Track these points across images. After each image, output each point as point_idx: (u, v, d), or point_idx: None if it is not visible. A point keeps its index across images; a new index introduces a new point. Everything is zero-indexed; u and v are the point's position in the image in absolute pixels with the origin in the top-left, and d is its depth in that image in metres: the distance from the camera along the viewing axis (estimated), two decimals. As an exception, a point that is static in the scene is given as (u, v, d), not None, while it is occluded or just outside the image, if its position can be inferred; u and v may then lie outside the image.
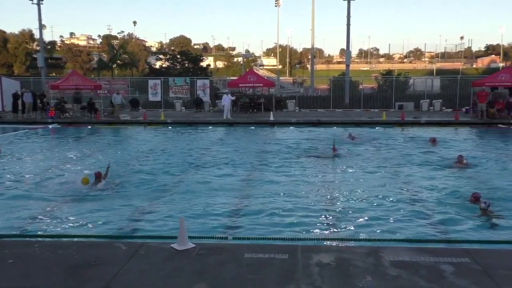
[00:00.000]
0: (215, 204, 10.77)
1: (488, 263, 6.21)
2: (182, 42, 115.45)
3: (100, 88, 32.95)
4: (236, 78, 40.00)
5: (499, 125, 25.84)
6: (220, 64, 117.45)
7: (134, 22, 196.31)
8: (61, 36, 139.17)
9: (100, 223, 9.45)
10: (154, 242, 7.33)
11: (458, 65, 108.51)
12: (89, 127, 27.43)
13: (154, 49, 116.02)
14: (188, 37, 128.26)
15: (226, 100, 29.12)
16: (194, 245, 6.91)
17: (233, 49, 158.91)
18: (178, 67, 54.41)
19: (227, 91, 31.74)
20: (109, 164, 13.37)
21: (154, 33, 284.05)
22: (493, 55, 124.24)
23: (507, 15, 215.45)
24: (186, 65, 54.57)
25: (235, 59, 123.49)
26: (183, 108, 34.39)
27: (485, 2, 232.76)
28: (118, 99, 30.09)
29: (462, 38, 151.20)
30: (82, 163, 16.01)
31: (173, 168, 15.25)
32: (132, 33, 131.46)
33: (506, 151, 18.30)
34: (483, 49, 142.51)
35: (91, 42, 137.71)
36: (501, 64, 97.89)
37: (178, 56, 56.39)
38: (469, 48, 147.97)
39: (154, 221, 9.61)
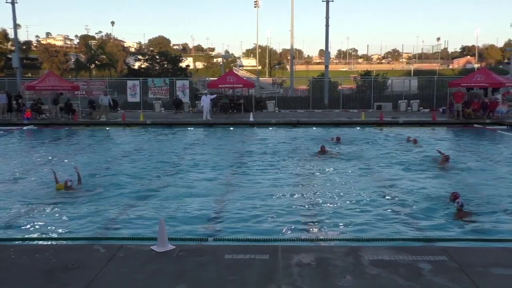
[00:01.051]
0: (195, 206, 10.71)
1: (465, 261, 6.32)
2: (161, 43, 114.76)
3: (78, 89, 32.52)
4: (216, 79, 39.88)
5: (475, 125, 26.29)
6: (199, 65, 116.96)
7: (112, 22, 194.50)
8: (37, 36, 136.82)
9: (78, 226, 9.31)
10: (134, 244, 7.26)
11: (435, 66, 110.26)
12: (67, 128, 27.04)
13: (132, 50, 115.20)
14: (167, 37, 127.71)
15: (206, 101, 29.02)
16: (174, 247, 6.87)
17: (213, 49, 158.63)
18: (157, 67, 54.04)
19: (206, 91, 31.64)
20: (77, 170, 12.92)
21: (133, 34, 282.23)
22: (468, 56, 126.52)
23: (482, 17, 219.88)
24: (165, 65, 54.23)
25: (215, 60, 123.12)
26: (163, 109, 34.16)
27: (461, 5, 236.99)
28: (106, 100, 29.76)
29: (438, 39, 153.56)
30: (58, 166, 15.76)
31: (152, 169, 15.12)
32: (110, 33, 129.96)
33: (484, 150, 18.62)
34: (459, 50, 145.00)
35: (68, 42, 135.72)
36: (476, 65, 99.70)
37: (157, 57, 56.01)
38: (446, 49, 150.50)
39: (134, 223, 9.51)
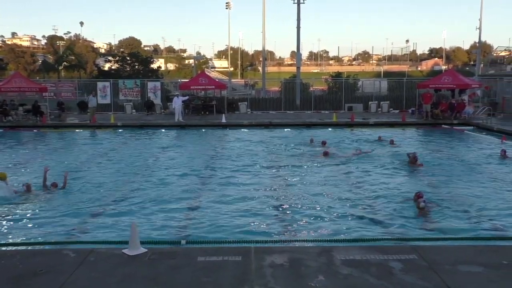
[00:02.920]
0: (168, 209, 10.64)
1: (434, 259, 6.45)
2: (131, 44, 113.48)
3: (46, 91, 31.83)
4: (188, 80, 39.66)
5: (443, 126, 26.85)
6: (171, 66, 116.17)
7: (81, 23, 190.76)
8: (2, 36, 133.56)
9: (47, 231, 9.12)
10: (104, 248, 7.16)
11: (404, 67, 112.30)
12: (35, 131, 26.41)
13: (102, 51, 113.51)
14: (138, 38, 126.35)
15: (177, 103, 28.83)
16: (146, 250, 6.80)
17: (184, 51, 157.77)
18: (128, 69, 53.40)
19: (178, 93, 31.41)
20: (65, 175, 12.69)
21: (102, 34, 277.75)
22: (436, 58, 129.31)
23: (449, 20, 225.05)
24: (136, 67, 53.65)
25: (187, 61, 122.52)
26: (134, 110, 33.77)
27: (429, 8, 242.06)
28: (94, 101, 29.20)
29: (407, 41, 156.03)
30: (26, 169, 15.42)
31: (124, 172, 14.95)
32: (79, 34, 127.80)
33: (451, 151, 19.03)
34: (427, 52, 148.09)
35: (35, 43, 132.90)
36: (443, 67, 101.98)
37: (128, 58, 55.34)
38: (414, 51, 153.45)
39: (105, 226, 9.37)
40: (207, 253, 6.79)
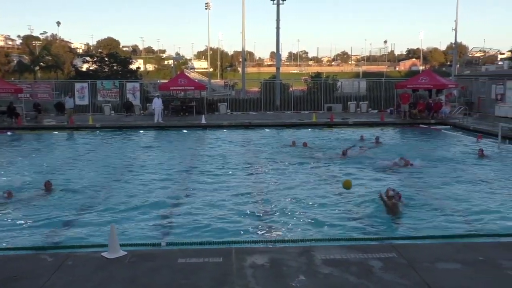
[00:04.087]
0: (148, 210, 10.55)
1: (413, 257, 6.53)
2: (110, 44, 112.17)
3: (21, 92, 31.31)
4: (167, 81, 39.43)
5: (421, 125, 27.23)
6: (150, 67, 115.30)
7: (58, 23, 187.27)
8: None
9: (23, 235, 8.96)
10: (83, 252, 7.07)
11: (382, 68, 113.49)
12: (9, 133, 25.92)
13: (80, 51, 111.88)
14: (116, 39, 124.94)
15: (157, 104, 28.66)
16: (125, 253, 6.73)
17: (164, 51, 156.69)
18: (107, 69, 52.81)
19: (158, 94, 31.18)
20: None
21: (80, 35, 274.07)
22: (413, 59, 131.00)
23: (426, 21, 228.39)
24: (115, 67, 53.09)
25: (166, 62, 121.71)
26: (113, 112, 33.42)
27: (406, 9, 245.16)
28: (71, 102, 28.74)
29: (385, 42, 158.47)
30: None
31: (102, 174, 14.78)
32: (56, 34, 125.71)
33: (429, 150, 19.29)
34: (405, 53, 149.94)
35: (10, 42, 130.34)
36: (421, 67, 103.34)
37: (106, 59, 54.72)
38: (392, 51, 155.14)
39: (84, 230, 9.25)
40: (188, 254, 6.75)
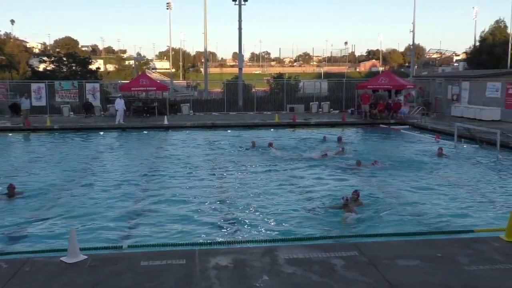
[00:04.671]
0: (109, 213, 10.39)
1: (373, 255, 6.67)
2: (68, 44, 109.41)
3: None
4: (128, 81, 38.84)
5: (381, 125, 27.81)
6: (110, 67, 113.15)
7: (12, 21, 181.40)
8: None
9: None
10: (41, 257, 6.88)
11: (343, 68, 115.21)
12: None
13: (36, 51, 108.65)
14: (74, 38, 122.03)
15: (120, 104, 28.18)
16: (86, 257, 6.60)
17: (124, 52, 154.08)
18: (65, 70, 51.51)
19: (120, 95, 30.68)
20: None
21: (36, 34, 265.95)
22: (373, 60, 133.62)
23: (385, 23, 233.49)
24: (74, 68, 51.84)
25: (127, 62, 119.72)
26: (72, 113, 32.63)
27: (366, 11, 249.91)
28: (27, 103, 27.79)
29: (346, 43, 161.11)
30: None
31: (61, 177, 14.42)
32: (10, 32, 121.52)
33: (388, 149, 19.71)
34: (365, 54, 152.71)
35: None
36: (380, 68, 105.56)
37: (64, 59, 53.37)
38: (353, 53, 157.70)
39: (42, 234, 9.02)
40: (150, 257, 6.68)
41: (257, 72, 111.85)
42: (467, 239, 7.66)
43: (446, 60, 79.75)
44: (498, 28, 63.10)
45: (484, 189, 12.50)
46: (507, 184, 13.24)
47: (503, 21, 64.09)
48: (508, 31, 61.08)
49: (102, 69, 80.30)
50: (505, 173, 14.59)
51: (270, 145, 19.25)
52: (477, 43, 64.27)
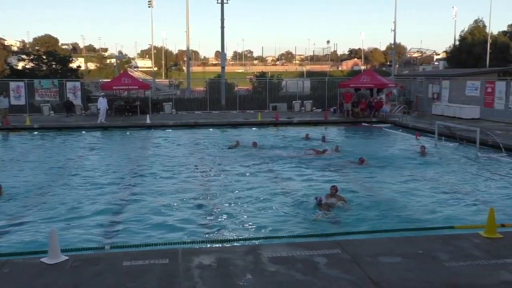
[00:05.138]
0: (91, 213, 10.29)
1: (356, 252, 6.72)
2: (48, 42, 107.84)
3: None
4: (110, 80, 38.49)
5: (363, 124, 28.04)
6: (91, 66, 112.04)
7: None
8: None
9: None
10: (21, 259, 6.77)
11: (325, 67, 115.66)
12: None
13: (15, 49, 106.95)
14: (54, 36, 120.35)
15: (103, 103, 27.91)
16: (67, 258, 6.52)
17: (106, 50, 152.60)
18: (45, 68, 50.76)
19: (103, 93, 30.38)
20: None
21: (15, 31, 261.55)
22: (355, 59, 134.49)
23: (367, 22, 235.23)
24: (54, 66, 51.11)
25: (108, 61, 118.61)
26: (52, 112, 32.22)
27: (348, 10, 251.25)
28: (5, 102, 27.28)
29: (328, 42, 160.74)
30: None
31: (42, 177, 14.22)
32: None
33: (372, 147, 19.87)
34: (347, 53, 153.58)
35: None
36: (362, 67, 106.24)
37: (44, 57, 52.59)
38: (335, 51, 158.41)
39: (23, 236, 8.89)
40: (133, 257, 6.62)
41: (240, 70, 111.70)
42: (448, 235, 7.76)
43: (427, 59, 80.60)
44: (477, 27, 64.08)
45: (464, 187, 12.69)
46: (486, 181, 13.47)
47: (481, 20, 65.18)
48: (487, 30, 62.06)
49: (83, 68, 79.42)
50: (484, 171, 14.82)
51: (254, 144, 19.23)
52: (457, 43, 65.16)
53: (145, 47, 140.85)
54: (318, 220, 9.72)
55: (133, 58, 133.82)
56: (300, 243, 7.35)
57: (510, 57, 59.93)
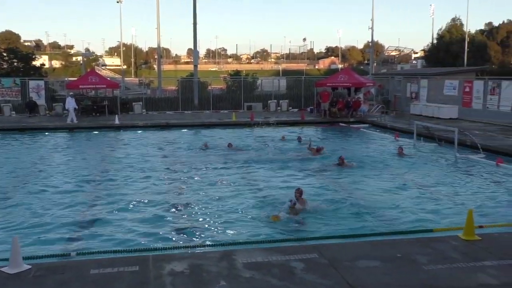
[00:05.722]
0: (56, 219, 10.10)
1: (333, 257, 6.78)
2: (8, 38, 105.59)
3: None
4: (76, 79, 37.96)
5: (340, 124, 28.29)
6: (56, 64, 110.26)
7: None
8: None
9: None
10: (-20, 268, 6.61)
11: (302, 66, 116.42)
12: None
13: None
14: (16, 33, 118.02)
15: (71, 104, 27.51)
16: (29, 267, 6.39)
17: (71, 47, 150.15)
18: (5, 66, 49.74)
19: (71, 93, 29.92)
20: None
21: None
22: (332, 57, 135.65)
23: (344, 19, 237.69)
24: (15, 64, 50.12)
25: (74, 59, 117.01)
26: (13, 112, 31.58)
27: (325, 7, 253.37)
28: None
29: (304, 40, 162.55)
30: None
31: (1, 182, 13.90)
32: None
33: (350, 149, 20.06)
34: (324, 51, 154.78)
35: None
36: (340, 66, 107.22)
37: (5, 54, 51.53)
38: (311, 49, 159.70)
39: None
40: (101, 264, 6.54)
41: (213, 69, 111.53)
42: (427, 238, 7.89)
43: (405, 58, 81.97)
44: (455, 26, 65.49)
45: (443, 188, 12.90)
46: (464, 183, 13.74)
47: (459, 19, 66.67)
48: (464, 29, 63.42)
49: (47, 66, 78.01)
50: (462, 172, 15.14)
51: (230, 145, 19.21)
52: (435, 41, 66.38)
53: (114, 44, 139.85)
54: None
55: (101, 56, 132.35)
56: (276, 248, 7.37)
57: (487, 56, 61.48)
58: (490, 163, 15.98)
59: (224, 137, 22.70)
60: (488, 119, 25.45)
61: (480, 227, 8.32)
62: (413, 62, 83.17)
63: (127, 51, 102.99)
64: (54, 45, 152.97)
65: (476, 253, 6.98)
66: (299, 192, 10.70)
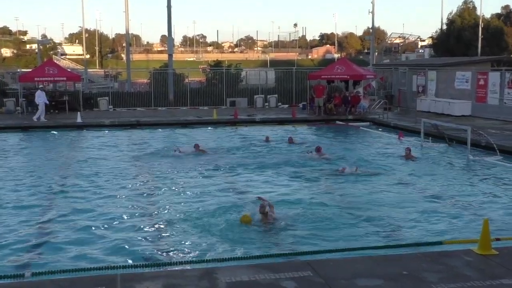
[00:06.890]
0: (7, 234, 10.02)
1: (329, 275, 6.78)
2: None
3: None
4: (31, 70, 37.66)
5: (337, 122, 28.33)
6: (7, 52, 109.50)
7: None
8: None
9: None
10: None
11: (292, 55, 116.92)
12: None
13: None
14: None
15: (41, 98, 27.30)
16: (-23, 289, 6.33)
17: (25, 33, 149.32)
18: None
19: (41, 86, 29.68)
20: None
21: None
22: (328, 45, 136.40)
23: (341, 2, 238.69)
24: (-41, 52, 49.73)
25: (28, 47, 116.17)
26: (-44, 109, 31.28)
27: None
28: None
29: (295, 25, 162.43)
30: None
31: None
32: None
33: (348, 151, 20.12)
34: (318, 39, 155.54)
35: None
36: (336, 55, 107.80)
37: None
38: (304, 37, 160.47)
39: None
40: (60, 285, 6.50)
41: (191, 59, 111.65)
42: (436, 253, 7.92)
43: (410, 46, 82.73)
44: (467, 9, 65.94)
45: (454, 195, 12.99)
46: (479, 189, 13.83)
47: (472, 1, 67.10)
48: (478, 13, 63.88)
49: (-4, 55, 77.50)
50: (476, 176, 15.25)
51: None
52: (444, 27, 66.89)
53: (75, 30, 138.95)
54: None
55: (60, 44, 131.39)
56: (264, 265, 7.36)
57: (504, 44, 61.95)
58: (508, 167, 16.13)
59: (203, 138, 22.68)
60: (505, 116, 25.63)
61: (497, 239, 8.37)
62: (420, 51, 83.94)
63: (91, 38, 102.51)
64: (4, 31, 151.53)
65: (493, 269, 7.02)
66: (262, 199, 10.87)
